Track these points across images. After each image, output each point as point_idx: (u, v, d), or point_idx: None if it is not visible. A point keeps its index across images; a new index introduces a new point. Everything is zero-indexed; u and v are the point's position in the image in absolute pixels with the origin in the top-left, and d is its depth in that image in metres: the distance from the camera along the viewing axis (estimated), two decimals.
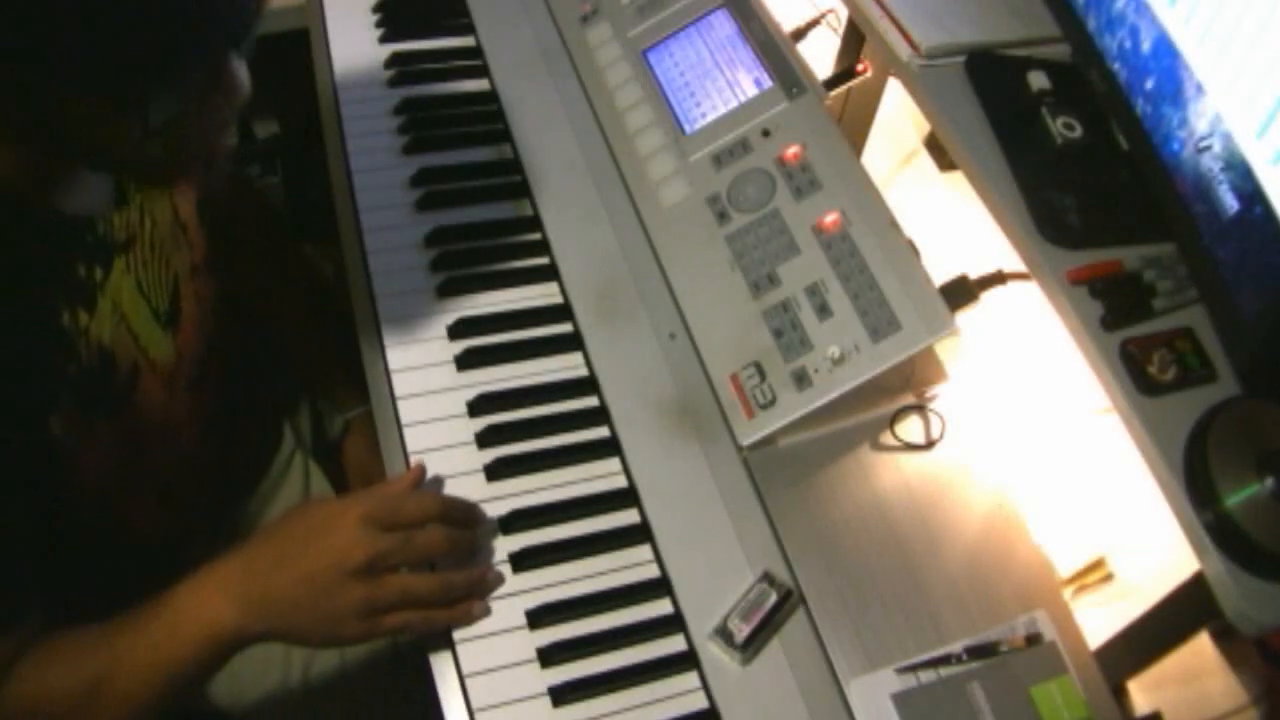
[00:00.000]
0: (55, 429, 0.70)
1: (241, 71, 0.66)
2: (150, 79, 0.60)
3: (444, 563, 0.78)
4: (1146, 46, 0.77)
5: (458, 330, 0.91)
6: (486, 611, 0.77)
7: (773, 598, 0.77)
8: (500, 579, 0.79)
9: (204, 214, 0.91)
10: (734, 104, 0.98)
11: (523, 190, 1.02)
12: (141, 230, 0.79)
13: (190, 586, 0.72)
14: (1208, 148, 0.71)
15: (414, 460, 0.83)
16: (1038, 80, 0.88)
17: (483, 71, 1.11)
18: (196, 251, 0.88)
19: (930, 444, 0.86)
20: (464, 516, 0.80)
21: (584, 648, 0.76)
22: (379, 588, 0.72)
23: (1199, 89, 0.72)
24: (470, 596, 0.77)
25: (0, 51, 0.56)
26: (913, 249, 0.85)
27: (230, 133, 0.70)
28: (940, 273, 0.84)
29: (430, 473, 0.82)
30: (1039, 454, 0.91)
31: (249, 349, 1.03)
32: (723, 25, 1.04)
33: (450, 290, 0.93)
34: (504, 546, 0.80)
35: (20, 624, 0.70)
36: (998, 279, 0.86)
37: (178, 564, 0.73)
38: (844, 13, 1.07)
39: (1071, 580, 0.89)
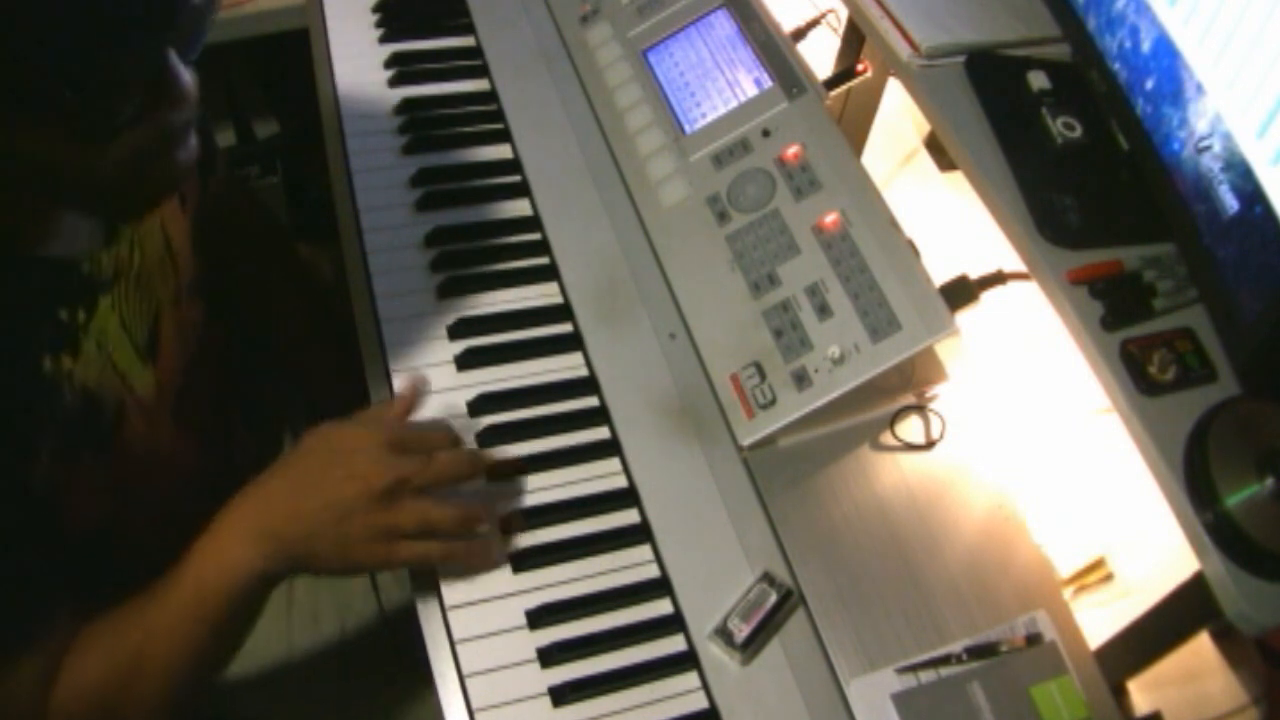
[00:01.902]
0: (39, 472, 0.69)
1: (185, 77, 0.63)
2: (83, 91, 0.57)
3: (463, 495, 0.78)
4: (1146, 46, 0.77)
5: (458, 330, 0.91)
6: (503, 558, 0.77)
7: (773, 598, 0.77)
8: (518, 524, 0.79)
9: (198, 236, 0.89)
10: (734, 104, 0.98)
11: (523, 190, 1.02)
12: (129, 265, 0.77)
13: (208, 538, 0.71)
14: (1208, 148, 0.71)
15: (411, 374, 0.83)
16: (1038, 80, 0.88)
17: (483, 71, 1.11)
18: (183, 276, 0.86)
19: (930, 444, 0.86)
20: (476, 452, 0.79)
21: (584, 648, 0.76)
22: (400, 512, 0.72)
23: (1199, 89, 0.72)
24: (488, 537, 0.77)
25: None
26: (913, 249, 0.85)
27: (191, 144, 0.67)
28: (940, 273, 0.84)
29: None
30: (1039, 454, 0.91)
31: (244, 360, 1.03)
32: (723, 25, 1.04)
33: (450, 290, 0.93)
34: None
35: (51, 633, 0.69)
36: (998, 279, 0.86)
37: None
38: (844, 13, 1.07)
39: (1071, 580, 0.89)
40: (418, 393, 0.81)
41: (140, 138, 0.62)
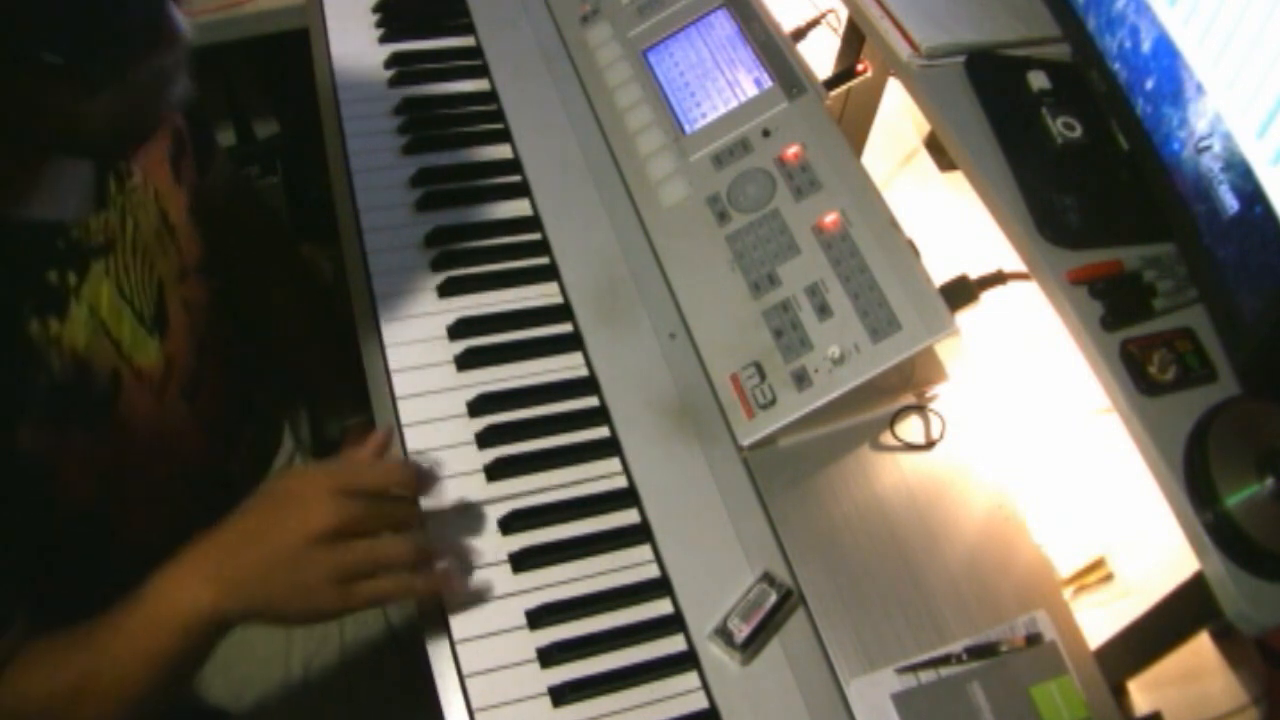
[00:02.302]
0: (25, 441, 0.68)
1: (177, 17, 0.64)
2: (87, 35, 0.58)
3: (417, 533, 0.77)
4: (1146, 46, 0.77)
5: (458, 330, 0.91)
6: (466, 585, 0.76)
7: (773, 598, 0.77)
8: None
9: (198, 216, 0.90)
10: (734, 104, 0.98)
11: (523, 190, 1.02)
12: (122, 234, 0.77)
13: (164, 574, 0.71)
14: (1208, 148, 0.71)
15: (388, 425, 0.83)
16: (1038, 80, 0.88)
17: (483, 71, 1.11)
18: (186, 255, 0.87)
19: (930, 444, 0.86)
20: (431, 484, 0.79)
21: (584, 648, 0.76)
22: (347, 552, 0.71)
23: (1199, 89, 0.72)
24: (446, 564, 0.76)
25: None
26: (913, 249, 0.85)
27: (182, 83, 0.68)
28: (940, 273, 0.84)
29: (429, 458, 0.82)
30: (1039, 454, 0.91)
31: (247, 352, 1.03)
32: (723, 25, 1.04)
33: (450, 290, 0.93)
34: (504, 547, 0.80)
35: (2, 636, 0.69)
36: (998, 279, 0.86)
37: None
38: (844, 13, 1.07)
39: (1071, 580, 0.89)
40: (387, 439, 0.81)
41: (133, 81, 0.63)
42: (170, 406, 0.83)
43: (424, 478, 0.80)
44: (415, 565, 0.74)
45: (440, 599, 0.76)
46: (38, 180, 0.69)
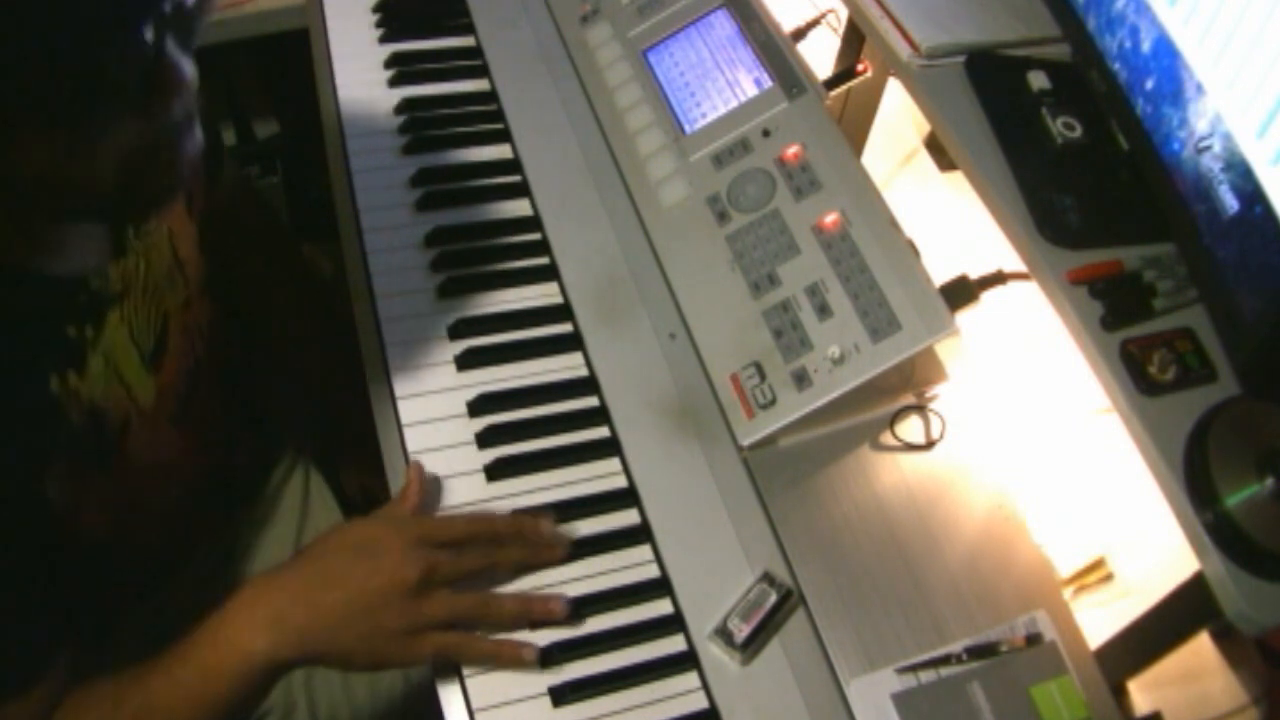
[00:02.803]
0: (50, 492, 0.68)
1: (183, 66, 0.60)
2: (84, 86, 0.55)
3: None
4: (1146, 46, 0.77)
5: (458, 330, 0.91)
6: (535, 656, 0.74)
7: (773, 598, 0.77)
8: (562, 610, 0.76)
9: (205, 242, 0.88)
10: (734, 104, 0.98)
11: (523, 190, 1.02)
12: (136, 277, 0.76)
13: (221, 618, 0.70)
14: (1208, 148, 0.71)
15: (413, 460, 0.82)
16: (1038, 80, 0.88)
17: (483, 71, 1.11)
18: (192, 284, 0.85)
19: (930, 444, 0.86)
20: (515, 537, 0.78)
21: (584, 648, 0.76)
22: (427, 604, 0.71)
23: (1199, 89, 0.72)
24: (519, 626, 0.75)
25: None
26: (913, 249, 0.85)
27: (195, 137, 0.64)
28: (940, 273, 0.84)
29: (430, 473, 0.82)
30: (1039, 454, 0.91)
31: (244, 361, 1.02)
32: (723, 25, 1.04)
33: (450, 290, 0.93)
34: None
35: (44, 679, 0.67)
36: (998, 279, 0.86)
37: (181, 576, 0.71)
38: (844, 13, 1.07)
39: (1071, 580, 0.89)
40: (423, 480, 0.80)
41: (137, 132, 0.60)
42: (163, 435, 0.82)
43: (506, 526, 0.78)
44: (484, 620, 0.74)
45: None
46: (55, 239, 0.67)
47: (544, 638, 0.76)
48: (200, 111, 0.64)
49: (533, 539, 0.78)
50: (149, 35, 0.56)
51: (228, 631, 0.69)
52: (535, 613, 0.76)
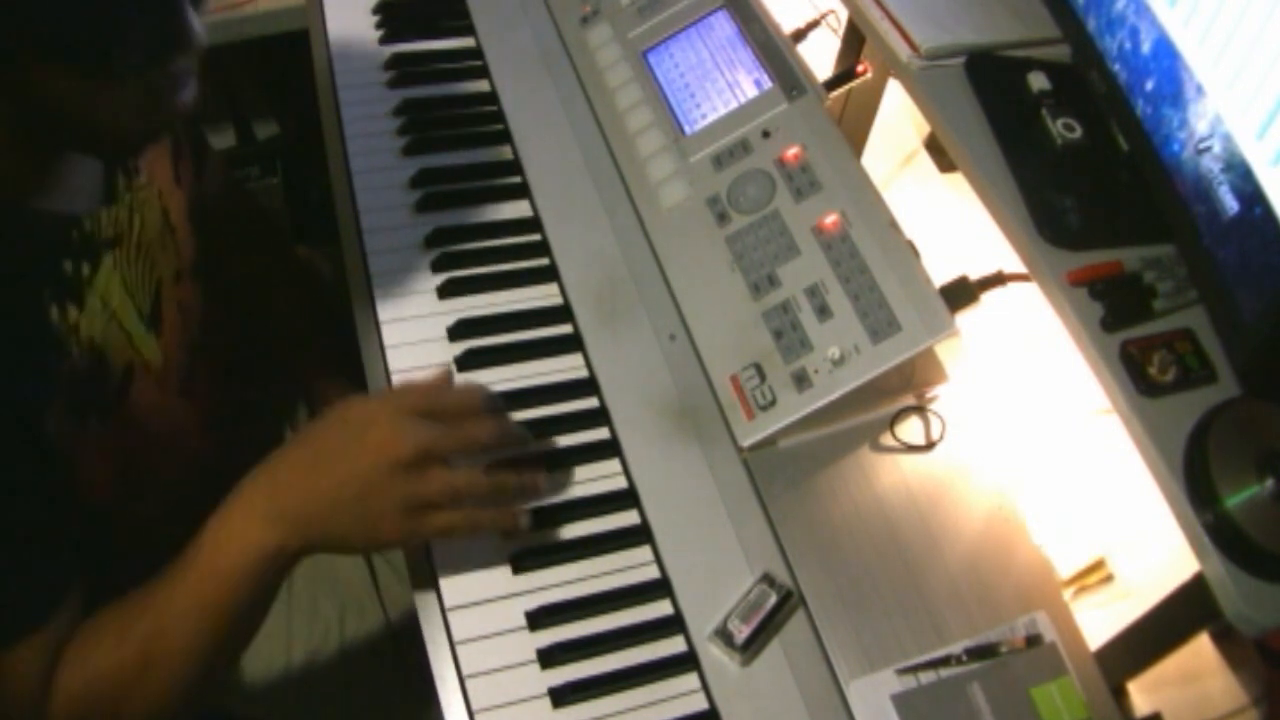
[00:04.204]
0: (49, 427, 0.68)
1: (195, 23, 0.65)
2: (109, 33, 0.59)
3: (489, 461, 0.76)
4: (1146, 47, 0.77)
5: (458, 331, 0.91)
6: (529, 519, 0.75)
7: (773, 598, 0.77)
8: (542, 483, 0.77)
9: (195, 218, 0.90)
10: (734, 105, 0.98)
11: (523, 191, 1.02)
12: (129, 230, 0.78)
13: (219, 521, 0.69)
14: (1208, 149, 0.71)
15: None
16: (1038, 81, 0.88)
17: (483, 72, 1.11)
18: (183, 257, 0.87)
19: (930, 445, 0.86)
20: (505, 409, 0.77)
21: (584, 649, 0.76)
22: (424, 482, 0.69)
23: (1199, 90, 0.72)
24: (518, 499, 0.75)
25: None
26: (913, 250, 0.85)
27: (192, 87, 0.69)
28: (940, 273, 0.84)
29: None
30: (1039, 454, 0.91)
31: (243, 355, 1.03)
32: (723, 26, 1.04)
33: (450, 291, 0.93)
34: (503, 548, 0.80)
35: (59, 613, 0.68)
36: (998, 280, 0.86)
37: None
38: (844, 13, 1.07)
39: (1071, 580, 0.89)
40: (449, 374, 0.79)
41: (150, 80, 0.64)
42: (171, 402, 0.84)
43: (498, 400, 0.77)
44: (487, 498, 0.73)
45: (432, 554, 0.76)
46: (52, 174, 0.70)
47: (544, 639, 0.76)
48: (201, 67, 0.68)
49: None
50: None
51: (229, 529, 0.69)
52: (537, 486, 0.76)
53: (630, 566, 0.81)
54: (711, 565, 0.80)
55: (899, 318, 0.82)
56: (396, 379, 0.87)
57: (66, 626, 0.69)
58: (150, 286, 0.81)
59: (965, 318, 0.83)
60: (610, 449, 0.86)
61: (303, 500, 0.69)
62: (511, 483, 0.75)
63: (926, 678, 0.75)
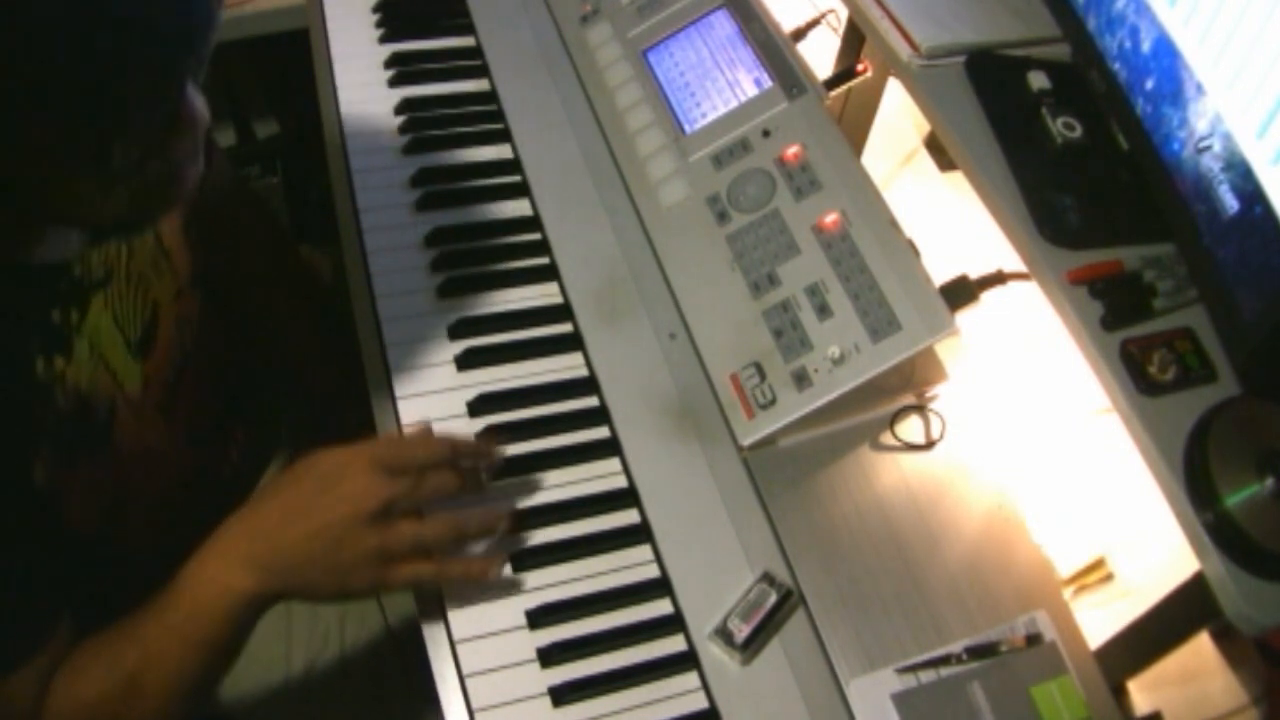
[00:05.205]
0: (39, 476, 0.69)
1: (198, 101, 0.63)
2: (109, 134, 0.57)
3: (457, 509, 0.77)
4: (1146, 46, 0.77)
5: (458, 330, 0.91)
6: (500, 570, 0.76)
7: (773, 598, 0.77)
8: (508, 520, 0.79)
9: (191, 231, 0.89)
10: (734, 104, 0.98)
11: (523, 190, 1.02)
12: (119, 263, 0.77)
13: (200, 561, 0.71)
14: (1208, 148, 0.71)
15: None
16: (1038, 80, 0.88)
17: (483, 71, 1.11)
18: (181, 274, 0.86)
19: (930, 444, 0.86)
20: (473, 456, 0.79)
21: (584, 648, 0.76)
22: (392, 534, 0.71)
23: (1199, 89, 0.72)
24: (486, 550, 0.76)
25: None
26: (913, 249, 0.85)
27: (199, 163, 0.66)
28: (940, 273, 0.84)
29: None
30: (1039, 454, 0.91)
31: (236, 356, 1.03)
32: (723, 25, 1.04)
33: (450, 290, 0.93)
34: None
35: (49, 645, 0.69)
36: (998, 279, 0.86)
37: (174, 573, 0.72)
38: (844, 13, 1.07)
39: (1071, 580, 0.89)
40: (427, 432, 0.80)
41: (155, 167, 0.62)
42: (149, 424, 0.83)
43: (466, 450, 0.79)
44: (454, 548, 0.75)
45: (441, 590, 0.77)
46: (37, 234, 0.68)
47: (544, 638, 0.76)
48: (205, 138, 0.66)
49: (486, 452, 0.80)
50: (179, 83, 0.59)
51: (209, 573, 0.70)
52: (500, 529, 0.78)
53: (630, 565, 0.81)
54: (711, 564, 0.80)
55: (899, 317, 0.82)
56: (396, 379, 0.87)
57: (57, 655, 0.70)
58: (144, 313, 0.81)
59: (965, 317, 0.83)
60: (610, 448, 0.86)
61: (275, 551, 0.71)
62: (474, 524, 0.77)
63: (926, 677, 0.75)
